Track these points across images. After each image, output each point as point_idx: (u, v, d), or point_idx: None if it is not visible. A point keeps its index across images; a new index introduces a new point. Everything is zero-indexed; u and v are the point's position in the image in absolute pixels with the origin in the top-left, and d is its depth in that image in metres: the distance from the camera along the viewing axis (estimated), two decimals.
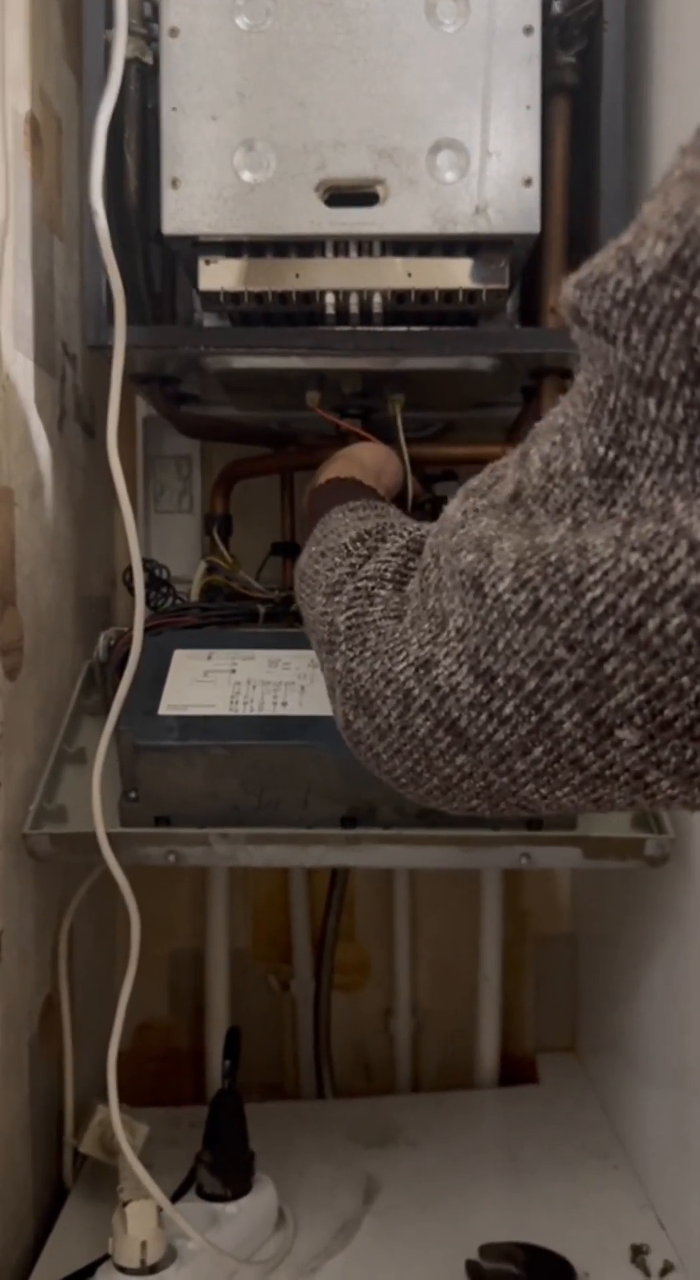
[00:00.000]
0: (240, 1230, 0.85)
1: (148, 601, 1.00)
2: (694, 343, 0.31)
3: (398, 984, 1.22)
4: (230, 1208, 0.85)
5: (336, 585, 0.51)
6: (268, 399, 1.06)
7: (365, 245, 0.86)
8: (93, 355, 0.89)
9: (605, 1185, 0.96)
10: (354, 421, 1.00)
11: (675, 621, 0.32)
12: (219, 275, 0.86)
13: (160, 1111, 1.07)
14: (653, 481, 0.34)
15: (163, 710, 0.78)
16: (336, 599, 0.50)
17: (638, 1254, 0.86)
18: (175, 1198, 0.88)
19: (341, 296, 0.86)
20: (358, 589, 0.49)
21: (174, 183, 0.84)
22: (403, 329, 0.86)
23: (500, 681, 0.37)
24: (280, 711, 0.78)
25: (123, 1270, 0.77)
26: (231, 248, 0.86)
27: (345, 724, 0.48)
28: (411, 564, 0.49)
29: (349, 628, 0.48)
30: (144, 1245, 0.77)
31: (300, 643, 0.85)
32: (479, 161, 0.83)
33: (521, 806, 0.41)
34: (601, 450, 0.35)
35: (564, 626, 0.34)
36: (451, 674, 0.39)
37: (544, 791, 0.39)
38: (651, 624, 0.32)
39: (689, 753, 0.34)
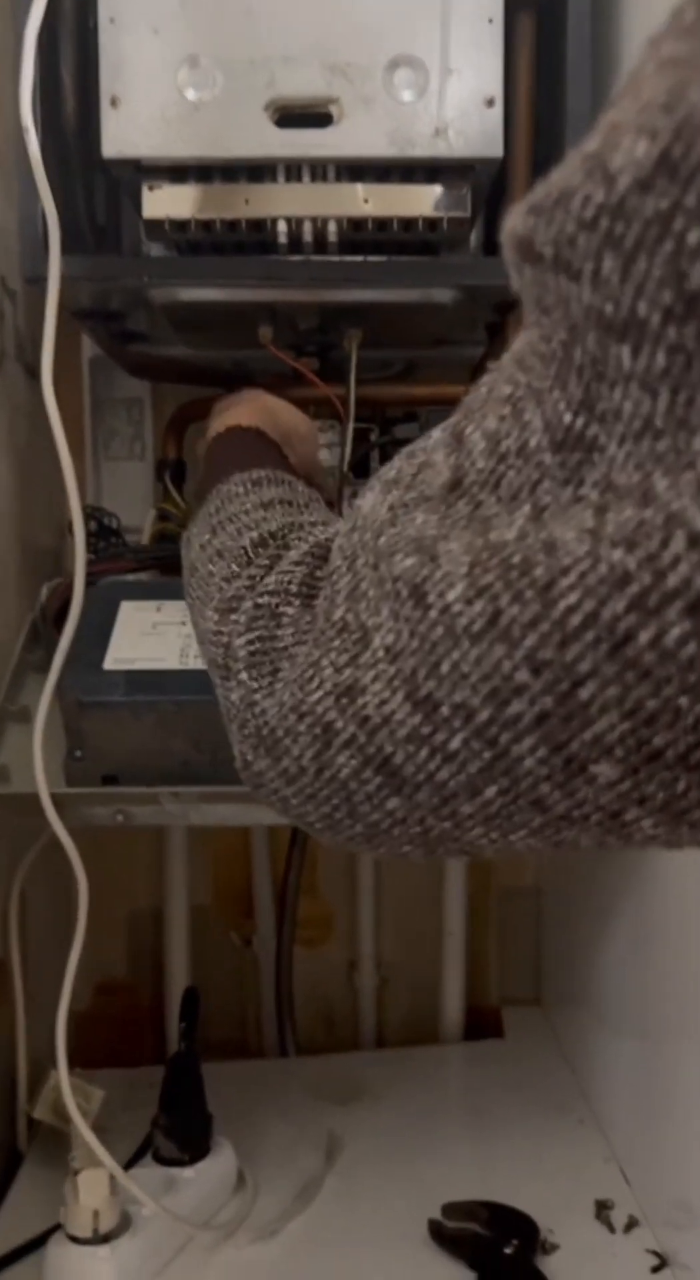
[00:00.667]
0: (197, 1195, 0.83)
1: (95, 551, 0.96)
2: (683, 265, 0.25)
3: (361, 938, 1.20)
4: (187, 1172, 0.83)
5: (233, 601, 0.44)
6: (219, 336, 1.01)
7: (319, 169, 0.81)
8: (35, 292, 0.84)
9: (570, 1140, 0.95)
10: (309, 361, 0.95)
11: (675, 632, 0.26)
12: (164, 202, 0.81)
13: (119, 1073, 1.05)
14: (627, 453, 0.28)
15: (108, 664, 0.74)
16: (233, 617, 0.43)
17: (602, 1209, 0.85)
18: (131, 1163, 0.86)
19: (294, 224, 0.81)
20: (259, 606, 0.42)
21: (113, 101, 0.78)
22: (359, 258, 0.81)
23: (445, 711, 0.31)
24: None
25: (75, 1240, 0.75)
26: (177, 172, 0.81)
27: (244, 764, 0.41)
28: (319, 572, 0.41)
29: (251, 654, 0.40)
30: (96, 1214, 0.74)
31: None
32: (438, 80, 0.78)
33: (465, 851, 0.36)
34: (567, 418, 0.29)
35: (528, 644, 0.28)
36: (382, 702, 0.33)
37: (494, 836, 0.33)
38: (644, 636, 0.26)
39: (680, 785, 0.28)
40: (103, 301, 0.89)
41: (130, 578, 0.86)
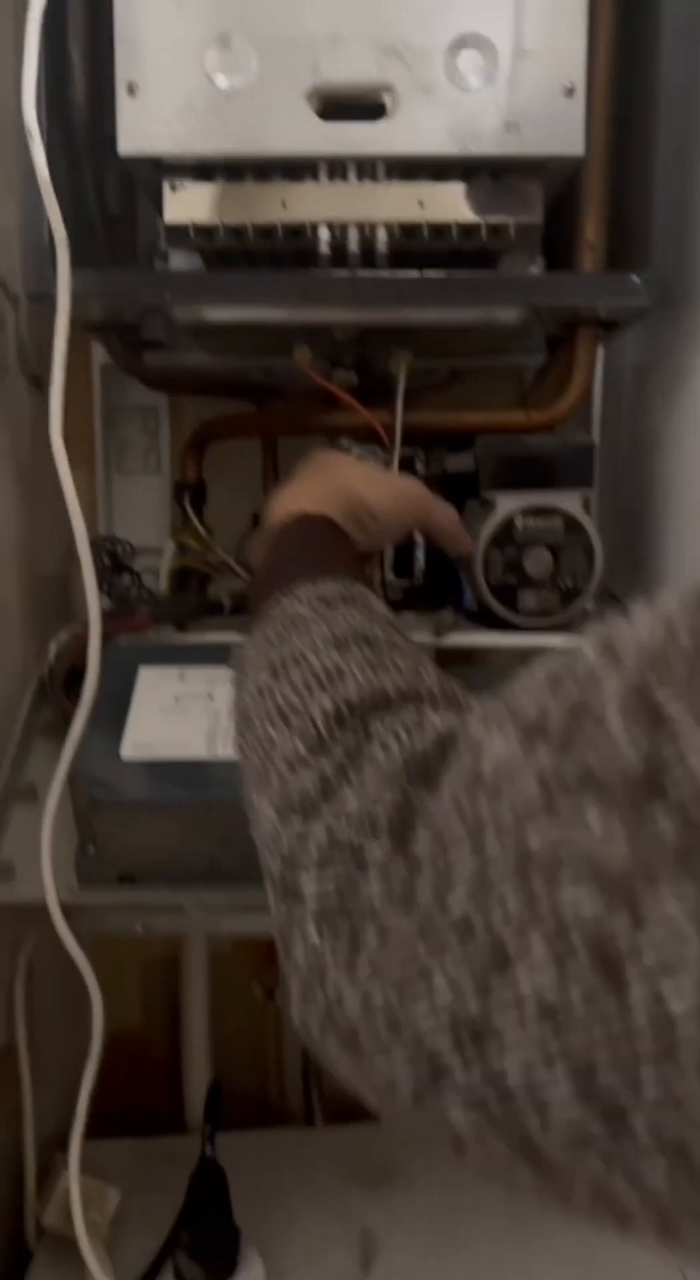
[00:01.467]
0: None
1: (109, 591, 0.86)
2: None
3: None
4: None
5: (300, 804, 0.34)
6: (246, 346, 0.91)
7: (367, 167, 0.70)
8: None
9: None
10: (347, 375, 0.84)
11: None
12: (188, 205, 0.70)
13: (133, 1146, 0.97)
14: None
15: (126, 752, 0.65)
16: (297, 828, 0.33)
17: None
18: (150, 1275, 0.78)
19: (338, 231, 0.70)
20: (335, 840, 0.31)
21: (131, 88, 0.67)
22: (413, 274, 0.70)
23: (639, 1128, 0.22)
24: None
25: None
26: (203, 169, 0.70)
27: (302, 1025, 0.32)
28: (419, 800, 0.30)
29: (323, 907, 0.31)
30: None
31: None
32: (510, 63, 0.67)
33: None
34: None
35: None
36: (528, 1066, 0.24)
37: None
38: None
39: None
40: (116, 315, 0.78)
41: (149, 634, 0.76)
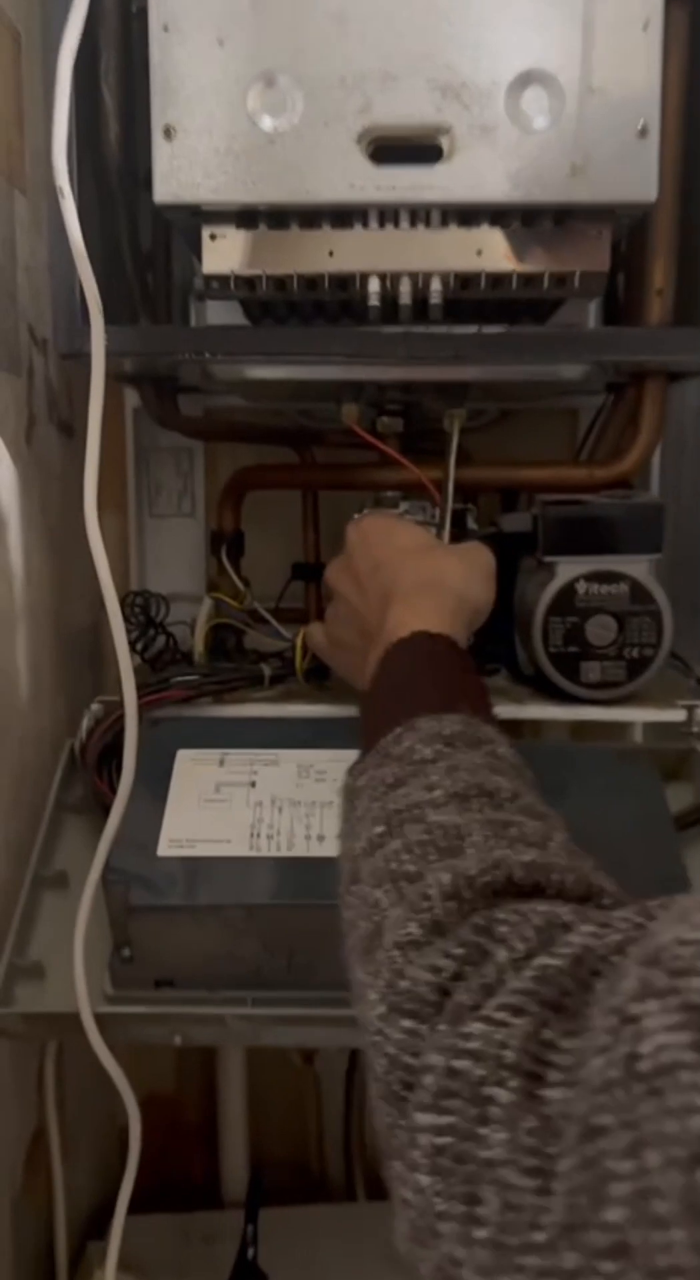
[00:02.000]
0: None
1: (142, 651, 0.82)
2: None
3: None
4: None
5: (408, 1004, 0.31)
6: (287, 394, 0.86)
7: (421, 213, 0.65)
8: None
9: None
10: (393, 422, 0.79)
11: None
12: (228, 254, 0.66)
13: (168, 1223, 0.93)
14: None
15: (163, 849, 0.60)
16: (404, 1028, 0.30)
17: None
18: None
19: (389, 282, 0.65)
20: (452, 1068, 0.27)
21: (168, 132, 0.62)
22: (472, 329, 0.65)
23: None
24: (315, 851, 0.60)
25: None
26: (244, 216, 0.65)
27: (410, 1259, 0.29)
28: (547, 1033, 0.26)
29: (436, 1148, 0.27)
30: None
31: (336, 735, 0.67)
32: (577, 102, 0.62)
33: None
34: None
35: None
36: None
37: None
38: None
39: None
40: (150, 368, 0.74)
41: (186, 710, 0.71)
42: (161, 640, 0.83)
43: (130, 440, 0.96)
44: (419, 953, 0.31)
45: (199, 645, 0.81)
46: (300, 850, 0.60)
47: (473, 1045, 0.28)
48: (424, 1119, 0.28)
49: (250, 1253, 0.74)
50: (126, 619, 0.72)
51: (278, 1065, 1.07)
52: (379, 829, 0.38)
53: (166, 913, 0.58)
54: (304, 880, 0.59)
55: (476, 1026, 0.28)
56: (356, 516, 0.71)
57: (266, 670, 0.74)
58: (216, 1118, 1.04)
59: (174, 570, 0.98)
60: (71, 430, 0.87)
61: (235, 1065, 1.02)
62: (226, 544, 0.86)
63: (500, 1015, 0.28)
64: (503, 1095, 0.26)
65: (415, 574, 0.58)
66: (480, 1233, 0.26)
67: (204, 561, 0.99)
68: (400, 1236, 0.30)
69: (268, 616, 0.82)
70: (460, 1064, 0.28)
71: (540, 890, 0.33)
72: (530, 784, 0.41)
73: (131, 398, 0.93)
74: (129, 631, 0.70)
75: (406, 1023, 0.30)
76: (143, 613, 0.84)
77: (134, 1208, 0.79)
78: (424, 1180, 0.28)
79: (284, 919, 0.58)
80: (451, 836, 0.35)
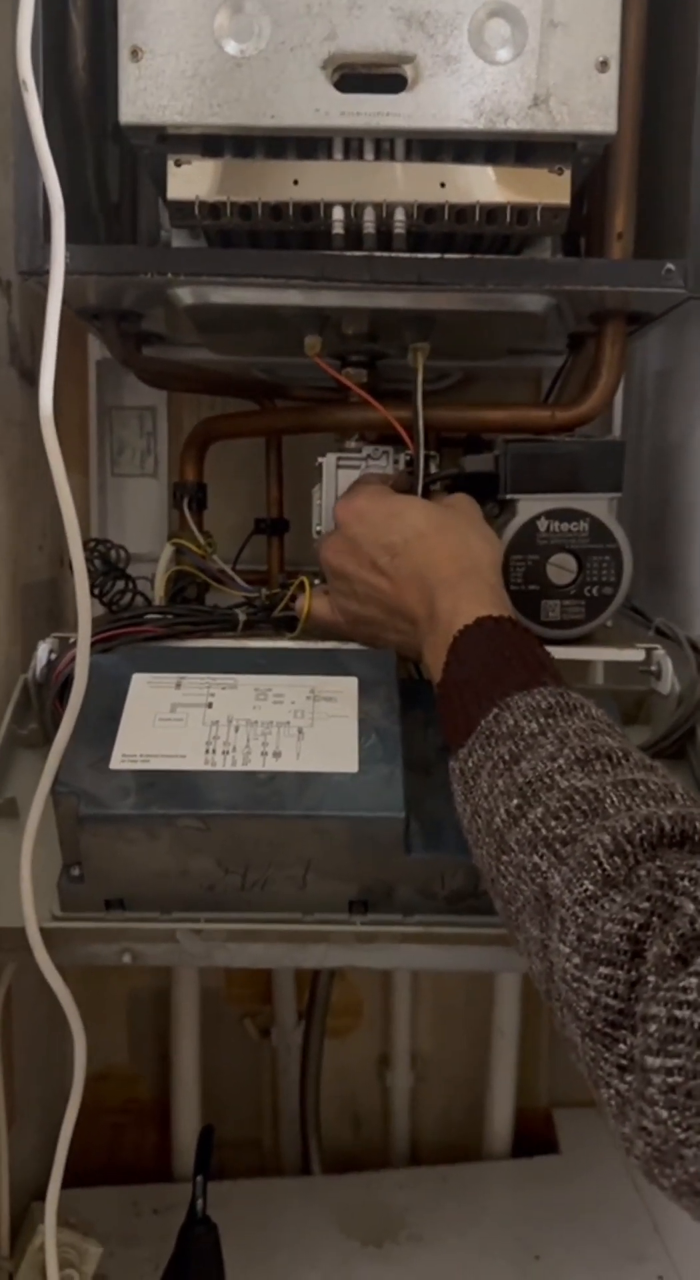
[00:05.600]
0: None
1: (102, 596, 0.81)
2: None
3: (395, 1028, 1.06)
4: None
5: (604, 953, 0.35)
6: (250, 340, 0.86)
7: (385, 144, 0.66)
8: (35, 285, 0.69)
9: None
10: (358, 373, 0.80)
11: None
12: (193, 180, 0.66)
13: (118, 1194, 0.91)
14: None
15: (116, 763, 0.59)
16: (604, 974, 0.35)
17: None
18: None
19: (353, 212, 0.66)
20: (674, 1015, 0.33)
21: (135, 53, 0.63)
22: (435, 255, 0.66)
23: None
24: (271, 766, 0.59)
25: None
26: (210, 143, 0.65)
27: (654, 1183, 0.34)
28: None
29: (670, 1086, 0.32)
30: None
31: (296, 664, 0.67)
32: (540, 35, 0.63)
33: None
34: None
35: None
36: None
37: None
38: None
39: None
40: (114, 300, 0.74)
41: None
42: (121, 584, 0.82)
43: (93, 397, 0.95)
44: (600, 906, 0.36)
45: (160, 591, 0.80)
46: (256, 765, 0.59)
47: (692, 996, 0.33)
48: (654, 1061, 0.33)
49: (199, 1205, 0.71)
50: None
51: (233, 1038, 1.05)
52: (515, 801, 0.41)
53: (118, 823, 0.57)
54: (259, 794, 0.58)
55: (692, 980, 0.33)
56: (339, 494, 0.72)
57: (241, 616, 0.72)
58: (169, 1093, 1.02)
59: (136, 530, 0.98)
60: (33, 378, 0.87)
61: (189, 1036, 1.00)
62: (189, 496, 0.86)
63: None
64: None
65: (452, 561, 0.61)
66: None
67: (166, 523, 0.98)
68: (642, 1158, 0.35)
69: (229, 571, 0.81)
70: (681, 1014, 0.33)
71: (687, 838, 0.38)
72: (623, 734, 0.45)
73: (94, 350, 0.93)
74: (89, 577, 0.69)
75: (604, 969, 0.35)
76: (102, 559, 0.83)
77: (85, 1181, 0.77)
78: (662, 1114, 0.33)
79: (239, 829, 0.57)
80: (590, 799, 0.39)
